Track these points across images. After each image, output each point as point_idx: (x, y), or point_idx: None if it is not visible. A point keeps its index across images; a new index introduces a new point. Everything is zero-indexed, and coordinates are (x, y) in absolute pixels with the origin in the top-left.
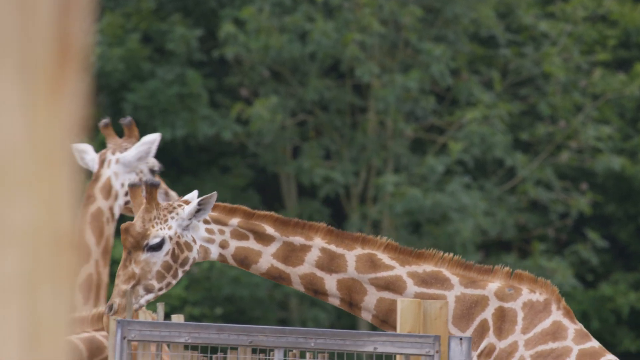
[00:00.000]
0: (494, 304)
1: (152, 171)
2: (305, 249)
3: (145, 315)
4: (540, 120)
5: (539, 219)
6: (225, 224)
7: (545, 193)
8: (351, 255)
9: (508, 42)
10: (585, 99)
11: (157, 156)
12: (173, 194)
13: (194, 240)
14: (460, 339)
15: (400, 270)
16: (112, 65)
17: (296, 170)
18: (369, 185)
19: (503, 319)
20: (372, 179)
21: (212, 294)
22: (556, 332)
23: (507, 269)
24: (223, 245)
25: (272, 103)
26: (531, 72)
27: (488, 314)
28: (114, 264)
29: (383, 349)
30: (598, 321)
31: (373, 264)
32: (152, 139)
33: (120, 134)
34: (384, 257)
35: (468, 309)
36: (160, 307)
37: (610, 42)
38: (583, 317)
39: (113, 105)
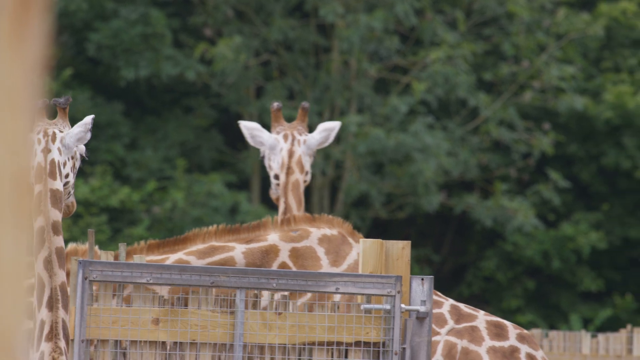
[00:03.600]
0: (286, 247)
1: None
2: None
3: (107, 256)
4: (504, 60)
5: (502, 159)
6: None
7: (507, 133)
8: None
9: None
10: (549, 39)
11: (121, 97)
12: None
13: None
14: (422, 279)
15: (176, 255)
16: (76, 4)
17: (259, 110)
18: None
19: (303, 258)
20: (336, 119)
21: (174, 234)
22: None
23: (276, 217)
24: None
25: (235, 43)
26: (495, 12)
27: (284, 256)
28: None
29: (345, 289)
30: (559, 261)
31: None
32: (333, 127)
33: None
34: (154, 257)
35: (261, 259)
36: (122, 248)
37: None
38: (544, 257)
39: (76, 45)
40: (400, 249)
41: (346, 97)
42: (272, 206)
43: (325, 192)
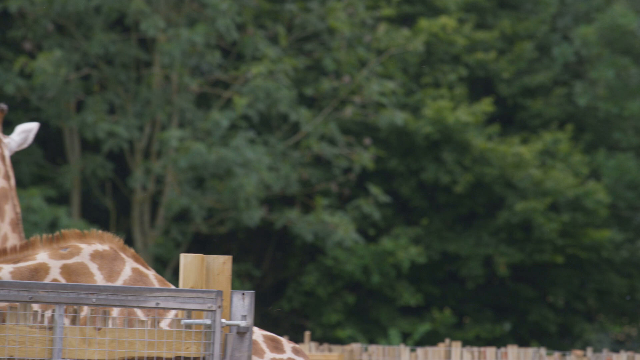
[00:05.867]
0: (56, 265)
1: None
2: None
3: None
4: (325, 75)
5: (323, 173)
6: None
7: (328, 148)
8: None
9: None
10: (370, 54)
11: None
12: None
13: None
14: (243, 293)
15: None
16: None
17: (80, 124)
18: (153, 140)
19: (75, 274)
20: (157, 134)
21: None
22: (141, 280)
23: (45, 235)
24: None
25: (55, 57)
26: (316, 27)
27: (55, 274)
28: None
29: (165, 304)
30: (379, 275)
31: None
32: (30, 128)
33: None
34: None
35: (30, 278)
36: None
37: None
38: (364, 272)
39: None
40: (221, 264)
41: (167, 112)
42: (92, 220)
43: (146, 206)
